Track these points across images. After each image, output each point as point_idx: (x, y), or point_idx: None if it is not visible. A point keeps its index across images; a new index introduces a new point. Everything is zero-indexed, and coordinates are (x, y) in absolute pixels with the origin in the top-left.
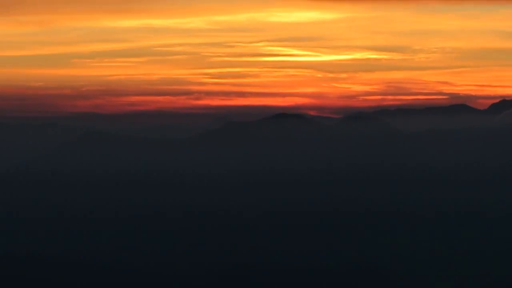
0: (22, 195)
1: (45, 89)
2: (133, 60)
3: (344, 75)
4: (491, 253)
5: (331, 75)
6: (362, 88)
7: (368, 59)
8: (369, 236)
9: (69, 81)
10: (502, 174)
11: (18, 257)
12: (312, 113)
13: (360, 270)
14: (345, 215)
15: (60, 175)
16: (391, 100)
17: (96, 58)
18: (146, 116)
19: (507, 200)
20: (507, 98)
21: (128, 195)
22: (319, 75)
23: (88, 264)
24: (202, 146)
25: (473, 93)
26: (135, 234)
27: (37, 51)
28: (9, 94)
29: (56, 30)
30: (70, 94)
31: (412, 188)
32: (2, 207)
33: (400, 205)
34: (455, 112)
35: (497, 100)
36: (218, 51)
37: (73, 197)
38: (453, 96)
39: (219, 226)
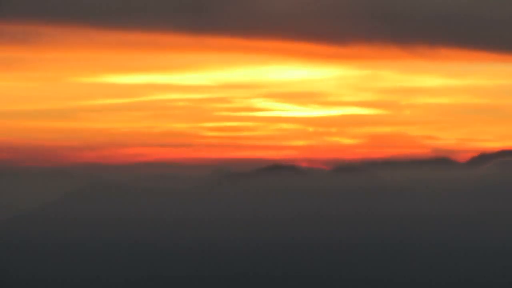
0: (29, 240)
1: (53, 140)
2: (136, 114)
3: (334, 129)
4: None
5: (321, 129)
6: (350, 141)
7: (357, 114)
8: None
9: (77, 133)
10: (480, 223)
11: None
12: (304, 164)
13: None
14: (336, 261)
15: (67, 222)
16: (378, 153)
17: (102, 112)
18: (148, 167)
19: (486, 247)
20: (485, 152)
21: (131, 242)
22: (311, 129)
23: None
24: (201, 195)
25: (454, 147)
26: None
27: (47, 105)
28: (20, 145)
29: (65, 86)
30: (77, 145)
31: (401, 236)
32: (8, 253)
33: (391, 249)
34: (438, 165)
35: (476, 154)
36: (217, 106)
37: (78, 244)
38: (436, 150)
39: (214, 273)
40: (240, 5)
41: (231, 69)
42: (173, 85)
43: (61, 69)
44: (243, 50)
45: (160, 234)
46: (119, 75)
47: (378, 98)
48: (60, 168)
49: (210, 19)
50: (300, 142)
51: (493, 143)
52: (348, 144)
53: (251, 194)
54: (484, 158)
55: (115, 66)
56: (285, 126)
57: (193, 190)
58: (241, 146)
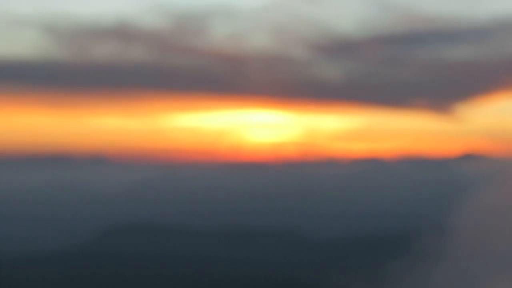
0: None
1: (141, 151)
2: (181, 137)
3: (283, 147)
4: None
5: (278, 147)
6: (291, 153)
7: (291, 140)
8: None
9: (155, 149)
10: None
11: None
12: (269, 166)
13: None
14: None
15: (155, 193)
16: (302, 160)
17: (168, 137)
18: (190, 166)
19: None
20: (356, 159)
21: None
22: (273, 148)
23: None
24: (217, 181)
25: (340, 156)
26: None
27: (139, 133)
28: (124, 150)
29: (150, 124)
30: (156, 154)
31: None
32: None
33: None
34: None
35: (353, 160)
36: (222, 134)
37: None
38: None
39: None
40: (236, 79)
41: (230, 112)
42: (198, 123)
43: (149, 115)
44: (236, 102)
45: (201, 206)
46: (177, 116)
47: (304, 132)
48: (147, 165)
49: (220, 87)
50: (266, 153)
51: (364, 154)
52: (290, 155)
53: (242, 182)
54: (357, 162)
55: (173, 110)
56: (259, 145)
57: (214, 178)
58: (235, 155)
